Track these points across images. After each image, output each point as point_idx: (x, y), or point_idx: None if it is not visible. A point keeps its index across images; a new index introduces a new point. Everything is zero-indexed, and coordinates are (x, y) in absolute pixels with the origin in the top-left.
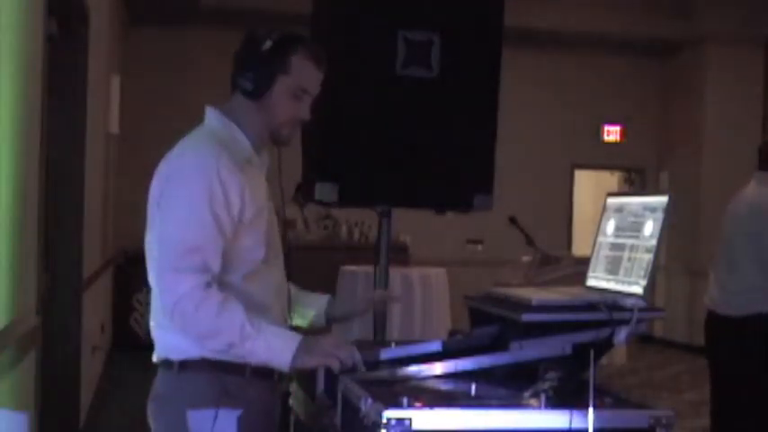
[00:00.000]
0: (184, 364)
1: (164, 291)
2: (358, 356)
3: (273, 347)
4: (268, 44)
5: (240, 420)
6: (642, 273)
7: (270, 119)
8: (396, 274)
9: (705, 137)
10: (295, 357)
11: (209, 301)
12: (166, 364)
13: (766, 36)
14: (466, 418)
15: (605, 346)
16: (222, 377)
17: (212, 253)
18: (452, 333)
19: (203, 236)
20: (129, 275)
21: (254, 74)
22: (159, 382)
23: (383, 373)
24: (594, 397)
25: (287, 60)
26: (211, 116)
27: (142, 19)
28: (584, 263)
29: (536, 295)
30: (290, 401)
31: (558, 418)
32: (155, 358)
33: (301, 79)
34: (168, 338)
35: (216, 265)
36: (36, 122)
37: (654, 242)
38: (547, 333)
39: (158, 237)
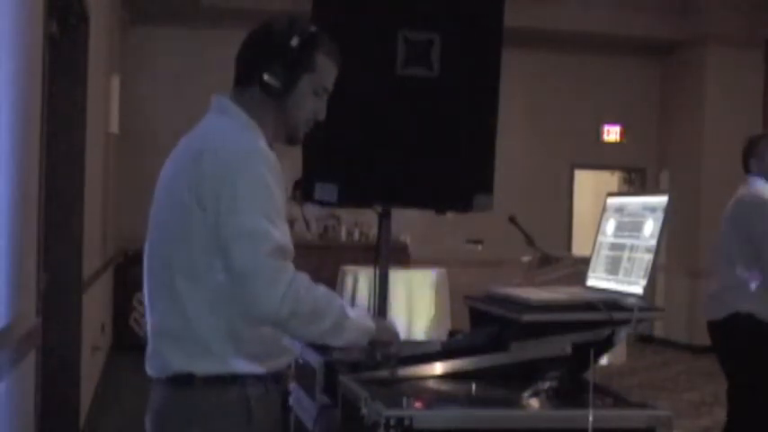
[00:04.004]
0: (210, 380)
1: (265, 279)
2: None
3: (361, 324)
4: (296, 41)
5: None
6: (642, 273)
7: (290, 117)
8: (396, 274)
9: (705, 137)
10: (376, 332)
11: (310, 283)
12: (184, 378)
13: (766, 36)
14: (466, 418)
15: (605, 346)
16: (246, 390)
17: (288, 237)
18: (452, 333)
19: (281, 223)
20: (129, 275)
21: (282, 71)
22: (173, 398)
23: (383, 373)
24: (594, 397)
25: (313, 58)
26: (229, 107)
27: (142, 19)
28: (584, 263)
29: (536, 295)
30: (290, 401)
31: (558, 418)
32: (161, 373)
33: (324, 77)
34: (192, 351)
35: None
36: (36, 123)
37: (654, 242)
38: (547, 333)
39: (234, 229)
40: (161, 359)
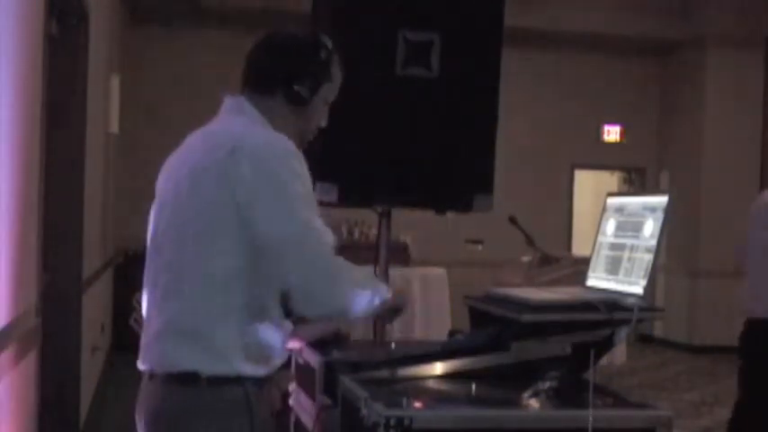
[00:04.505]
0: (214, 380)
1: (330, 277)
2: None
3: (386, 292)
4: (324, 54)
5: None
6: (642, 273)
7: (305, 125)
8: (396, 274)
9: (705, 137)
10: (394, 298)
11: (353, 266)
12: (189, 377)
13: (766, 36)
14: (466, 418)
15: (605, 346)
16: (246, 390)
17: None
18: (452, 333)
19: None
20: (129, 275)
21: (311, 82)
22: (175, 396)
23: (383, 373)
24: (594, 397)
25: (330, 68)
26: (248, 110)
27: (142, 19)
28: (584, 263)
29: (536, 295)
30: (290, 401)
31: (558, 418)
32: (160, 368)
33: (336, 87)
34: (200, 351)
35: None
36: (36, 123)
37: (654, 242)
38: (547, 333)
39: (291, 233)
40: (164, 355)
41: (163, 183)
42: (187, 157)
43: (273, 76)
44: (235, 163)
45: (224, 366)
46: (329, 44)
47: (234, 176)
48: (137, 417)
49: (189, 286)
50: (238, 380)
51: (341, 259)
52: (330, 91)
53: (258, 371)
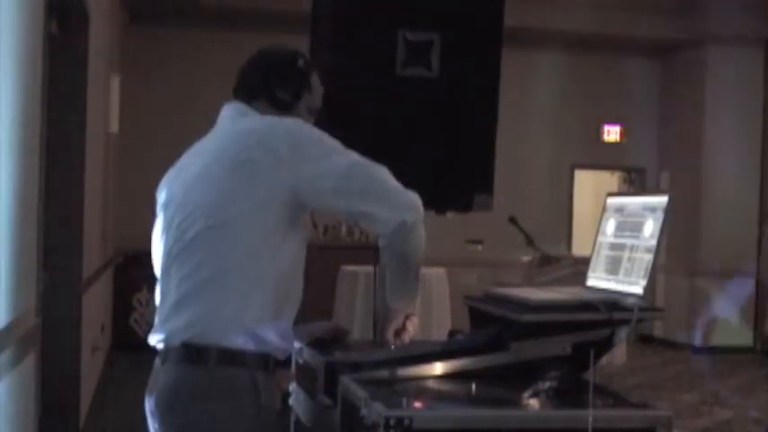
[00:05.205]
0: (225, 354)
1: (397, 189)
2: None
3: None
4: (301, 62)
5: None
6: (642, 273)
7: None
8: None
9: (705, 137)
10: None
11: None
12: (201, 352)
13: (766, 36)
14: (466, 418)
15: (605, 345)
16: (253, 371)
17: None
18: (452, 333)
19: None
20: (129, 275)
21: (290, 88)
22: (187, 379)
23: (383, 373)
24: (594, 397)
25: (310, 78)
26: (251, 113)
27: (142, 19)
28: (584, 263)
29: (536, 295)
30: (290, 401)
31: (558, 418)
32: (176, 341)
33: (316, 98)
34: (213, 321)
35: None
36: (36, 122)
37: (654, 242)
38: (547, 333)
39: (342, 167)
40: (180, 323)
41: (171, 189)
42: (202, 159)
43: (259, 85)
44: (268, 147)
45: (238, 341)
46: (306, 57)
47: (270, 160)
48: (147, 396)
49: (219, 264)
50: (250, 357)
51: (388, 176)
52: (312, 101)
53: (267, 349)
